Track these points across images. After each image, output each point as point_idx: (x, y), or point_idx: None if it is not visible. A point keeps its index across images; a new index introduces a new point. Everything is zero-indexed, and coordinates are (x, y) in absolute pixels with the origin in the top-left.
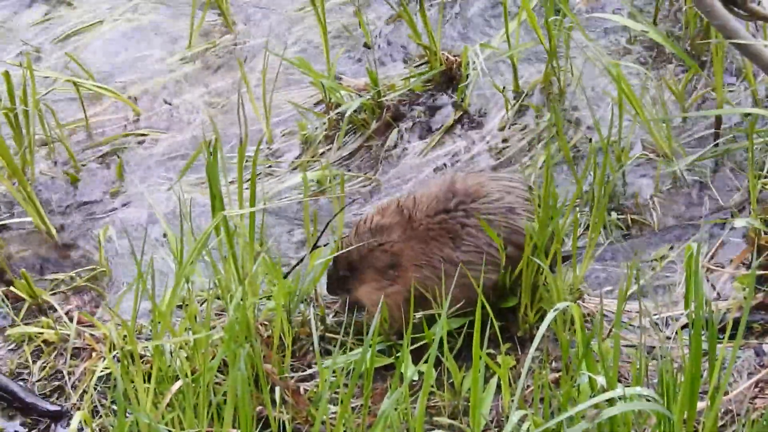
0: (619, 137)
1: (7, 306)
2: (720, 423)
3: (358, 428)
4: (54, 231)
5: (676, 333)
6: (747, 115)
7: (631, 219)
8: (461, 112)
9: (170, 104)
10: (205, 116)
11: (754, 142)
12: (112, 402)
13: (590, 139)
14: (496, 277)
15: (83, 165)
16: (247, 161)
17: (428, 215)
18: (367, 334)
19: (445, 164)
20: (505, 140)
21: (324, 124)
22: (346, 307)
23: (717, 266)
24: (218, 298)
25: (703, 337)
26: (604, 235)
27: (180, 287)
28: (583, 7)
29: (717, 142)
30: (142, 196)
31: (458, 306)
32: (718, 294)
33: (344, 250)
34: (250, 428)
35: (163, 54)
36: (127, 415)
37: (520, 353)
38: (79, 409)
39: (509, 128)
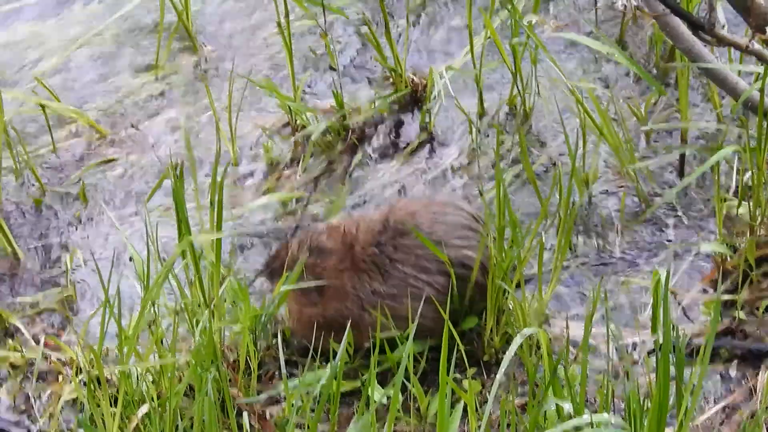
0: (583, 161)
1: None
2: None
3: None
4: (21, 254)
5: (644, 358)
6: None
7: (597, 242)
8: (427, 134)
9: (137, 128)
10: (172, 140)
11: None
12: (79, 426)
13: (554, 163)
14: (424, 306)
15: (50, 189)
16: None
17: (363, 247)
18: (334, 357)
19: (403, 187)
20: (469, 162)
21: (290, 146)
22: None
23: (683, 290)
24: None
25: (670, 362)
26: (570, 258)
27: (146, 311)
28: (550, 32)
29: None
30: (109, 219)
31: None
32: (686, 316)
33: (282, 252)
34: None
35: (129, 78)
36: None
37: (486, 378)
38: None
39: (474, 150)
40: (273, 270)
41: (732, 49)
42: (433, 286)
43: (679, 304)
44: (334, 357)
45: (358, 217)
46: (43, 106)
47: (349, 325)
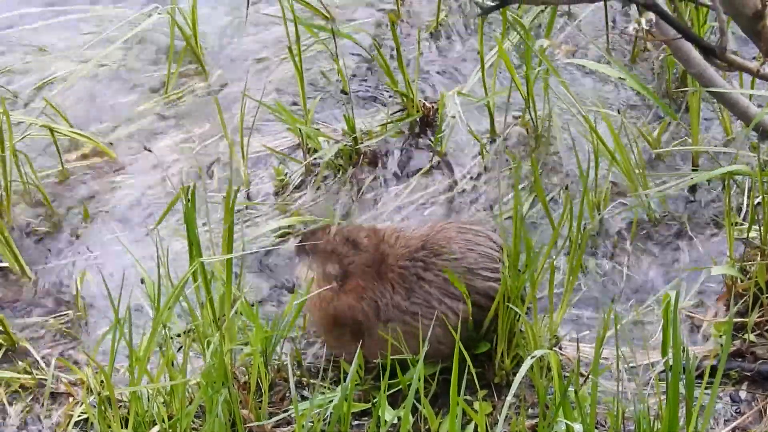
0: (595, 185)
1: None
2: None
3: None
4: (31, 275)
5: (654, 380)
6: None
7: (608, 264)
8: (438, 158)
9: (150, 150)
10: (182, 162)
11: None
12: None
13: (566, 187)
14: (441, 332)
15: (59, 210)
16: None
17: (397, 258)
18: (345, 379)
19: (415, 210)
20: (481, 185)
21: (301, 169)
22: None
23: (694, 312)
24: (195, 341)
25: (680, 384)
26: (581, 281)
27: (157, 333)
28: (563, 58)
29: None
30: (120, 241)
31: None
32: (696, 338)
33: (319, 232)
34: None
35: (139, 101)
36: None
37: (496, 400)
38: None
39: (486, 174)
40: (304, 247)
41: (745, 76)
42: (455, 312)
43: (690, 326)
44: (344, 378)
45: (399, 228)
46: (51, 130)
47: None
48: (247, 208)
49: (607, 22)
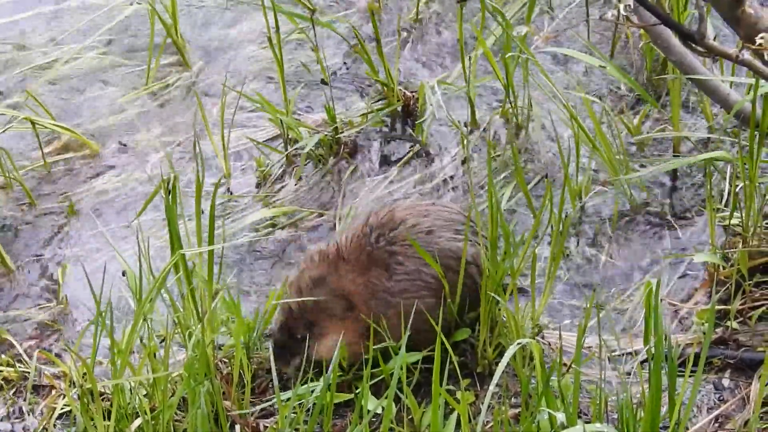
0: (576, 172)
1: None
2: None
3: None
4: (12, 267)
5: (636, 368)
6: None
7: (590, 252)
8: (418, 147)
9: (125, 145)
10: (163, 154)
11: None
12: None
13: (546, 176)
14: (434, 301)
15: (40, 203)
16: (205, 197)
17: (356, 251)
18: (327, 369)
19: (396, 200)
20: (461, 174)
21: (282, 160)
22: (302, 370)
23: (676, 299)
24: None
25: (662, 372)
26: (563, 270)
27: (139, 325)
28: (541, 44)
29: (675, 175)
30: (100, 234)
31: (408, 336)
32: (679, 326)
33: (295, 310)
34: None
35: (120, 93)
36: None
37: (479, 389)
38: None
39: (466, 163)
40: (283, 344)
41: (725, 62)
42: (436, 277)
43: (672, 314)
44: (327, 369)
45: (329, 241)
46: (33, 122)
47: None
48: (228, 200)
49: (587, 10)
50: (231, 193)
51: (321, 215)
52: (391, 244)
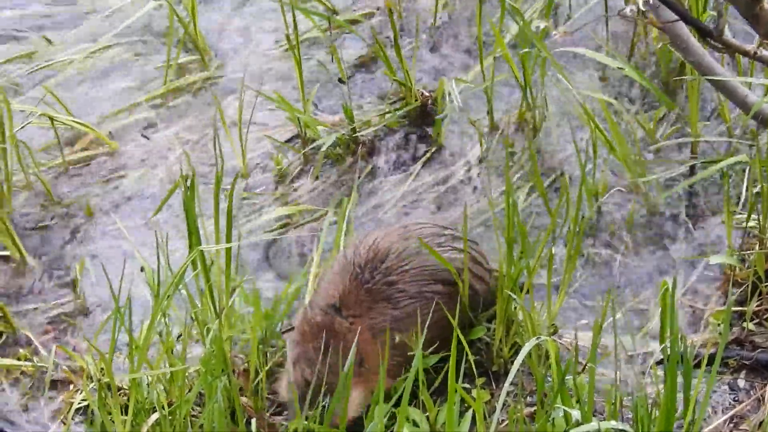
0: (593, 173)
1: None
2: None
3: None
4: (31, 263)
5: (651, 368)
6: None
7: (606, 253)
8: (436, 147)
9: (147, 138)
10: (181, 152)
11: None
12: None
13: (562, 173)
14: (441, 314)
15: (59, 200)
16: (223, 196)
17: (353, 296)
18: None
19: (414, 201)
20: (478, 174)
21: (299, 158)
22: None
23: (692, 301)
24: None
25: (678, 373)
26: (579, 270)
27: (157, 320)
28: (559, 39)
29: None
30: (118, 230)
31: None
32: (694, 327)
33: (313, 383)
34: None
35: (138, 91)
36: None
37: (495, 387)
38: None
39: (484, 162)
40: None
41: (743, 64)
42: (438, 293)
43: (688, 314)
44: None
45: (315, 291)
46: (51, 119)
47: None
48: (245, 198)
49: (606, 8)
50: (248, 192)
51: (338, 214)
52: (387, 275)
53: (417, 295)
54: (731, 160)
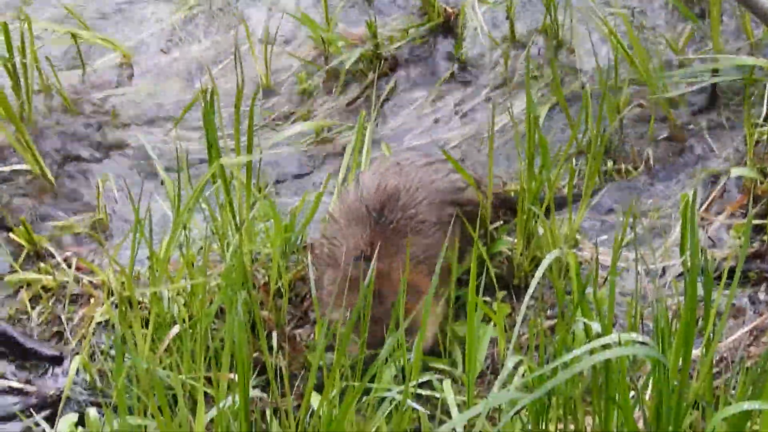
0: (615, 84)
1: (6, 253)
2: (714, 370)
3: (354, 374)
4: (52, 178)
5: (672, 281)
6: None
7: (627, 168)
8: (459, 64)
9: (166, 53)
10: (203, 68)
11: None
12: (110, 347)
13: (583, 86)
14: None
15: (80, 114)
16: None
17: (383, 236)
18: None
19: (436, 120)
20: (501, 92)
21: (323, 76)
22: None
23: (713, 215)
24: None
25: (698, 286)
26: (599, 184)
27: (177, 234)
28: None
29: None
30: (140, 145)
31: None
32: (714, 243)
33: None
34: (246, 374)
35: (160, 8)
36: (125, 360)
37: (515, 302)
38: (77, 354)
39: (506, 79)
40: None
41: None
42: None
43: (708, 229)
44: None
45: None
46: (74, 35)
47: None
48: (268, 115)
49: None
50: (271, 108)
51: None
52: (406, 210)
53: (438, 221)
54: (749, 60)
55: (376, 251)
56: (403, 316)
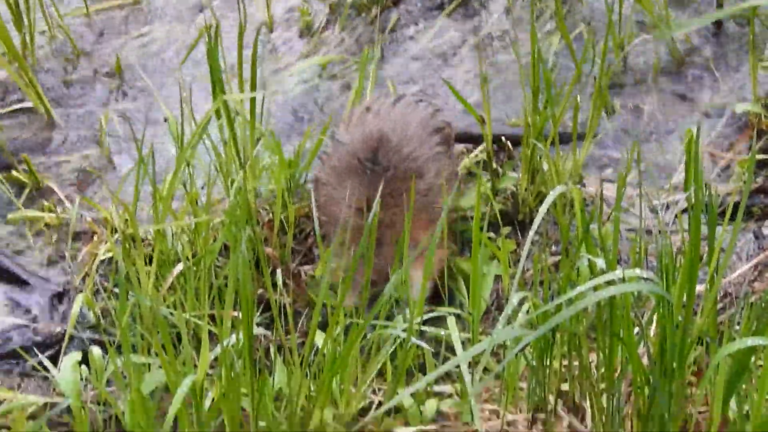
0: (619, 20)
1: (8, 190)
2: (719, 306)
3: (358, 311)
4: (54, 114)
5: (676, 217)
6: None
7: (632, 104)
8: None
9: None
10: (206, 6)
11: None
12: (114, 285)
13: (589, 23)
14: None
15: (83, 51)
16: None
17: (381, 184)
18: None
19: (443, 53)
20: (507, 24)
21: (326, 9)
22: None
23: (718, 150)
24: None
25: (702, 221)
26: (604, 120)
27: (181, 171)
28: None
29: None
30: (143, 82)
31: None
32: (719, 176)
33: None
34: (250, 311)
35: None
36: (129, 298)
37: (520, 238)
38: (80, 292)
39: (513, 12)
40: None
41: None
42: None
43: (713, 163)
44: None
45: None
46: None
47: None
48: (271, 51)
49: None
50: (274, 44)
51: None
52: (399, 151)
53: (432, 156)
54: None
55: (377, 201)
56: (408, 267)
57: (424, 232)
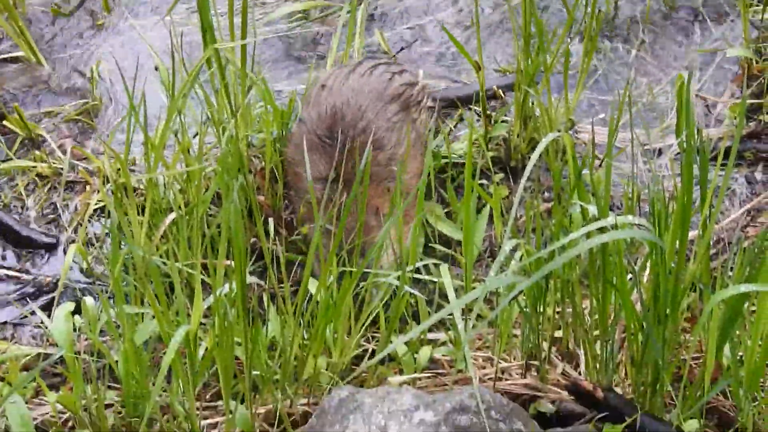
0: None
1: (0, 140)
2: (712, 252)
3: (351, 258)
4: (44, 63)
5: (669, 161)
6: None
7: (623, 48)
8: None
9: None
10: None
11: None
12: (107, 235)
13: None
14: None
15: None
16: None
17: (344, 159)
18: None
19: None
20: None
21: None
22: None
23: (709, 94)
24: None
25: (694, 166)
26: (596, 65)
27: (172, 120)
28: None
29: None
30: (133, 29)
31: None
32: (711, 121)
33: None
34: (243, 260)
35: None
36: (121, 247)
37: (512, 184)
38: (73, 242)
39: None
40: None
41: None
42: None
43: (705, 108)
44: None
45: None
46: None
47: None
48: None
49: None
50: None
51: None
52: (355, 125)
53: (390, 126)
54: None
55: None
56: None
57: (387, 201)
